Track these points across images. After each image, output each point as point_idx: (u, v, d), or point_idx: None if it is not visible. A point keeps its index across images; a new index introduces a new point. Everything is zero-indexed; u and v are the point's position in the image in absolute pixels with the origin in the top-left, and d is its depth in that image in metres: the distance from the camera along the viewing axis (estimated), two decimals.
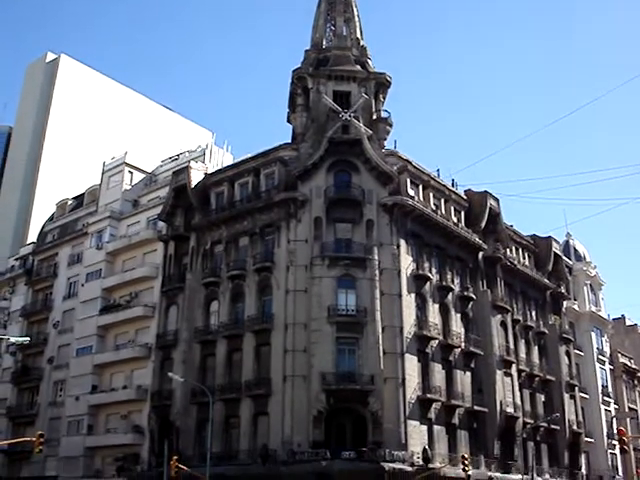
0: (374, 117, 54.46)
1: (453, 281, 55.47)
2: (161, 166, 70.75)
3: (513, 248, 65.14)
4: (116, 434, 57.37)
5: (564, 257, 74.59)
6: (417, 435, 47.03)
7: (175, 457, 43.81)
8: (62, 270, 70.08)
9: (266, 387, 47.35)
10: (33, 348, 67.68)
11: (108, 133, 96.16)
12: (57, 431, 61.27)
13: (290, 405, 45.93)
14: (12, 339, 52.40)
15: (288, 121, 57.48)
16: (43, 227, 78.72)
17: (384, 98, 56.43)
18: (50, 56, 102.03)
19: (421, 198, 54.46)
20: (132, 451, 55.06)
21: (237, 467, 45.89)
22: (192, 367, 51.94)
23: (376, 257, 49.18)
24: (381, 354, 46.75)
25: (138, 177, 69.85)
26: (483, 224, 59.38)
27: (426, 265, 52.91)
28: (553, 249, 70.42)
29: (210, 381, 50.24)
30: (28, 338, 51.34)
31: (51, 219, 78.39)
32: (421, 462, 45.40)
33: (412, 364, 48.53)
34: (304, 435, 44.92)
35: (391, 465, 43.58)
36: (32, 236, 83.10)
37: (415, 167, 55.09)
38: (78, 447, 58.92)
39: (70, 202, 76.75)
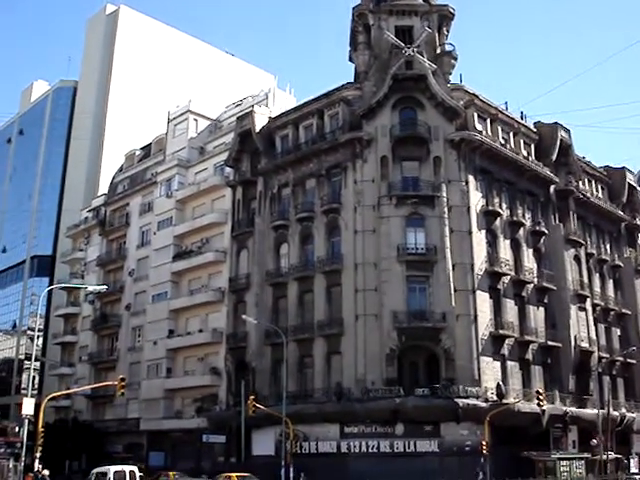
0: (438, 51, 53.17)
1: (524, 216, 54.55)
2: (225, 112, 70.96)
3: (586, 180, 63.58)
4: (194, 376, 59.09)
5: (639, 188, 72.36)
6: (490, 371, 47.01)
7: (252, 397, 44.97)
8: (134, 219, 71.60)
9: (338, 327, 47.85)
10: (110, 296, 69.77)
11: (171, 82, 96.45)
12: (137, 375, 63.42)
13: (362, 344, 46.39)
14: (90, 288, 53.81)
15: (350, 60, 56.70)
16: (113, 178, 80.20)
17: (448, 31, 54.94)
18: (110, 8, 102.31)
19: (489, 132, 53.33)
20: (210, 392, 56.67)
21: (312, 405, 46.83)
22: (265, 309, 52.78)
23: (444, 194, 48.64)
24: (452, 291, 46.60)
25: (203, 124, 70.27)
26: (554, 157, 57.89)
27: (496, 201, 52.10)
28: (627, 180, 68.45)
29: (283, 322, 50.98)
30: (105, 286, 52.73)
31: (120, 170, 79.78)
32: (495, 398, 45.48)
33: (484, 301, 48.26)
34: (377, 373, 45.39)
35: (465, 401, 43.85)
36: (103, 188, 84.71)
37: (482, 101, 53.87)
38: (158, 389, 60.97)
39: (138, 152, 77.87)
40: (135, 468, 39.25)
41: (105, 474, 36.58)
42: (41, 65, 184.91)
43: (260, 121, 57.67)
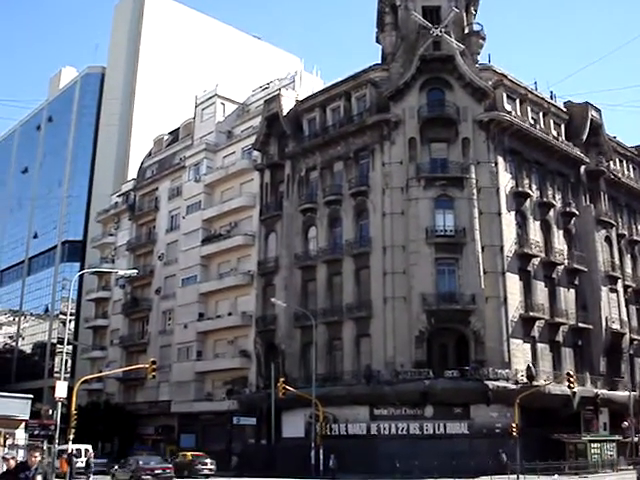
0: (466, 31, 52.68)
1: (554, 197, 54.00)
2: (252, 96, 70.97)
3: (617, 160, 62.63)
4: (224, 359, 59.55)
5: None
6: (520, 353, 46.78)
7: (282, 379, 45.25)
8: (163, 204, 72.07)
9: (367, 309, 47.86)
10: (141, 280, 70.43)
11: (198, 66, 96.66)
12: (168, 358, 64.03)
13: (391, 326, 46.39)
14: (121, 272, 54.21)
15: (377, 41, 56.29)
16: (142, 163, 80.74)
17: (475, 11, 54.42)
18: None
19: (518, 113, 52.74)
20: (240, 374, 57.12)
21: (342, 387, 46.98)
22: (294, 292, 52.93)
23: (473, 176, 48.30)
24: (482, 273, 46.36)
25: (230, 108, 70.35)
26: (584, 137, 57.10)
27: (526, 182, 51.63)
28: None
29: (312, 305, 51.12)
30: (136, 271, 53.17)
31: (149, 155, 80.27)
32: (525, 380, 45.30)
33: (514, 282, 47.97)
34: (406, 355, 45.40)
35: (494, 383, 43.74)
36: (132, 172, 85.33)
37: (511, 81, 53.28)
38: (188, 372, 61.53)
39: (166, 137, 78.26)
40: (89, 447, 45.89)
41: (64, 450, 37.93)
42: (69, 51, 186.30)
43: (287, 104, 57.60)
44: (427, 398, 43.95)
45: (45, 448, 35.68)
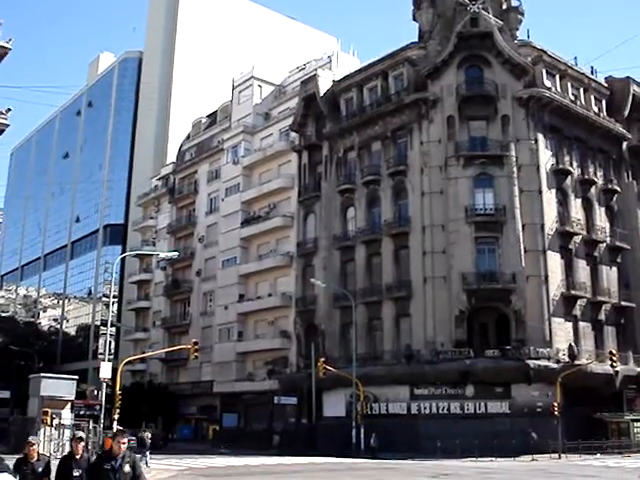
0: (504, 7, 51.99)
1: (596, 174, 53.23)
2: (289, 77, 70.94)
3: None
4: (264, 339, 60.12)
5: None
6: (562, 332, 46.42)
7: (322, 359, 45.47)
8: (202, 186, 72.67)
9: (407, 289, 47.83)
10: (182, 262, 71.24)
11: (235, 48, 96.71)
12: (209, 339, 64.80)
13: (431, 306, 46.34)
14: (162, 255, 54.68)
15: (414, 19, 55.67)
16: (181, 146, 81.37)
17: None
18: None
19: (558, 89, 51.95)
20: (281, 355, 57.60)
21: (382, 367, 47.14)
22: (333, 273, 53.09)
23: (513, 153, 47.80)
24: (522, 252, 46.01)
25: (267, 90, 70.46)
26: (626, 112, 56.06)
27: (566, 159, 50.94)
28: None
29: (351, 285, 51.22)
30: (177, 253, 53.73)
31: (188, 138, 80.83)
32: (567, 359, 45.03)
33: (555, 261, 47.54)
34: (447, 335, 45.35)
35: (536, 362, 43.51)
36: (171, 156, 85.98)
37: (550, 57, 52.44)
38: (230, 353, 62.24)
39: (204, 120, 78.70)
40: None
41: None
42: (106, 37, 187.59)
43: (324, 85, 57.48)
44: (468, 377, 43.90)
45: (91, 428, 36.25)
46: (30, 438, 10.85)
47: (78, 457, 9.99)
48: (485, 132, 48.64)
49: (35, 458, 10.32)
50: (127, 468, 8.96)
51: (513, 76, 49.33)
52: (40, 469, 10.23)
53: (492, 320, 46.35)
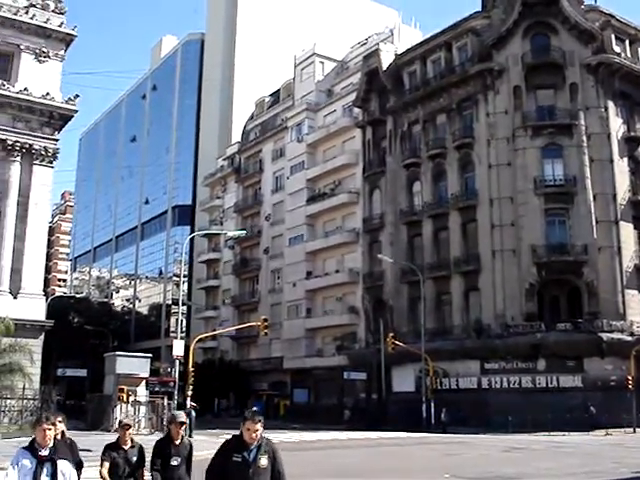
0: None
1: None
2: (351, 52, 70.54)
3: None
4: (333, 315, 60.44)
5: None
6: (636, 304, 45.38)
7: (390, 334, 45.56)
8: (267, 165, 73.16)
9: (475, 263, 47.39)
10: (249, 241, 72.04)
11: (296, 26, 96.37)
12: (278, 316, 65.45)
13: (501, 279, 45.83)
14: (230, 234, 55.17)
15: None
16: (245, 126, 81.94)
17: None
18: None
19: (628, 54, 50.35)
20: (349, 330, 57.87)
21: (451, 342, 46.92)
22: (400, 248, 52.93)
23: (583, 122, 46.65)
24: (594, 223, 45.06)
25: (329, 66, 70.30)
26: None
27: (638, 126, 49.46)
28: None
29: (418, 260, 50.98)
30: (244, 231, 54.32)
31: (251, 117, 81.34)
32: None
33: (628, 232, 46.43)
34: (517, 308, 44.83)
35: (609, 335, 42.74)
36: (236, 136, 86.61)
37: (619, 21, 50.84)
38: (299, 329, 62.83)
39: (267, 99, 79.04)
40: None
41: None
42: (168, 20, 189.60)
43: (386, 59, 57.03)
44: (539, 351, 43.39)
45: (165, 404, 37.16)
46: (125, 420, 9.29)
47: (177, 442, 8.44)
48: (553, 101, 47.63)
49: (129, 444, 8.65)
50: (264, 461, 6.71)
51: (581, 42, 48.04)
52: (134, 458, 8.59)
53: (563, 293, 45.62)
